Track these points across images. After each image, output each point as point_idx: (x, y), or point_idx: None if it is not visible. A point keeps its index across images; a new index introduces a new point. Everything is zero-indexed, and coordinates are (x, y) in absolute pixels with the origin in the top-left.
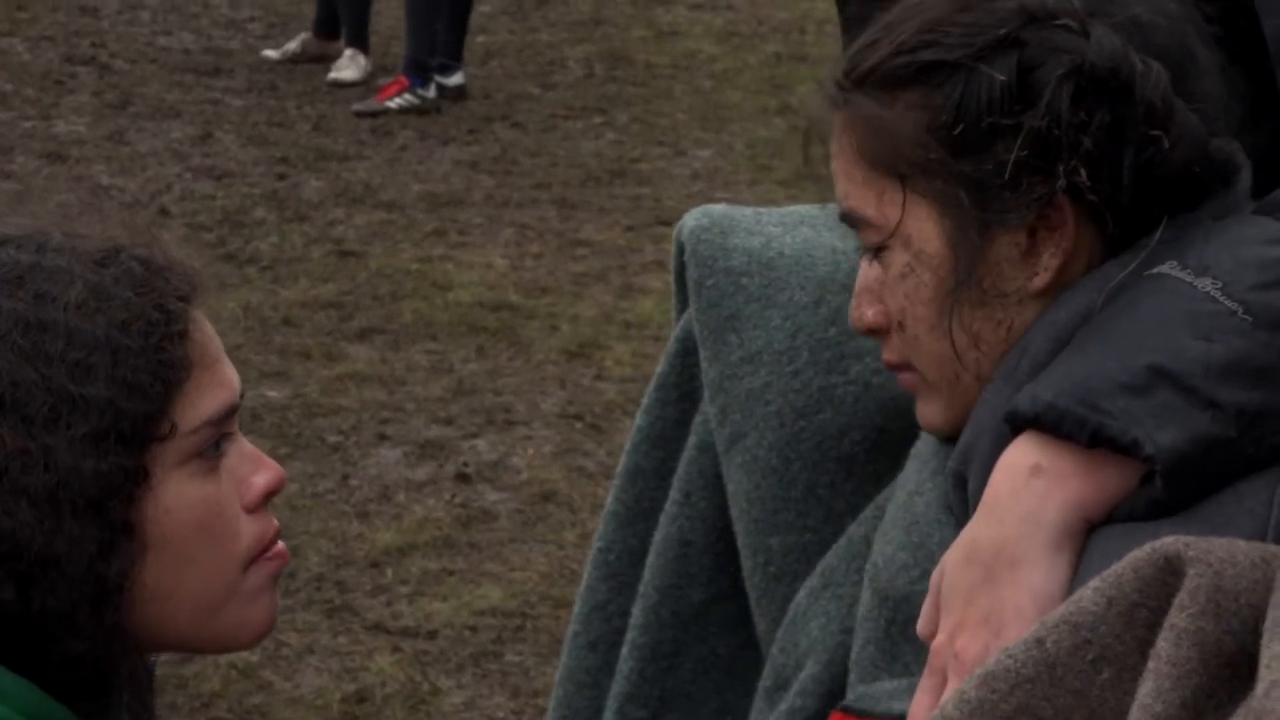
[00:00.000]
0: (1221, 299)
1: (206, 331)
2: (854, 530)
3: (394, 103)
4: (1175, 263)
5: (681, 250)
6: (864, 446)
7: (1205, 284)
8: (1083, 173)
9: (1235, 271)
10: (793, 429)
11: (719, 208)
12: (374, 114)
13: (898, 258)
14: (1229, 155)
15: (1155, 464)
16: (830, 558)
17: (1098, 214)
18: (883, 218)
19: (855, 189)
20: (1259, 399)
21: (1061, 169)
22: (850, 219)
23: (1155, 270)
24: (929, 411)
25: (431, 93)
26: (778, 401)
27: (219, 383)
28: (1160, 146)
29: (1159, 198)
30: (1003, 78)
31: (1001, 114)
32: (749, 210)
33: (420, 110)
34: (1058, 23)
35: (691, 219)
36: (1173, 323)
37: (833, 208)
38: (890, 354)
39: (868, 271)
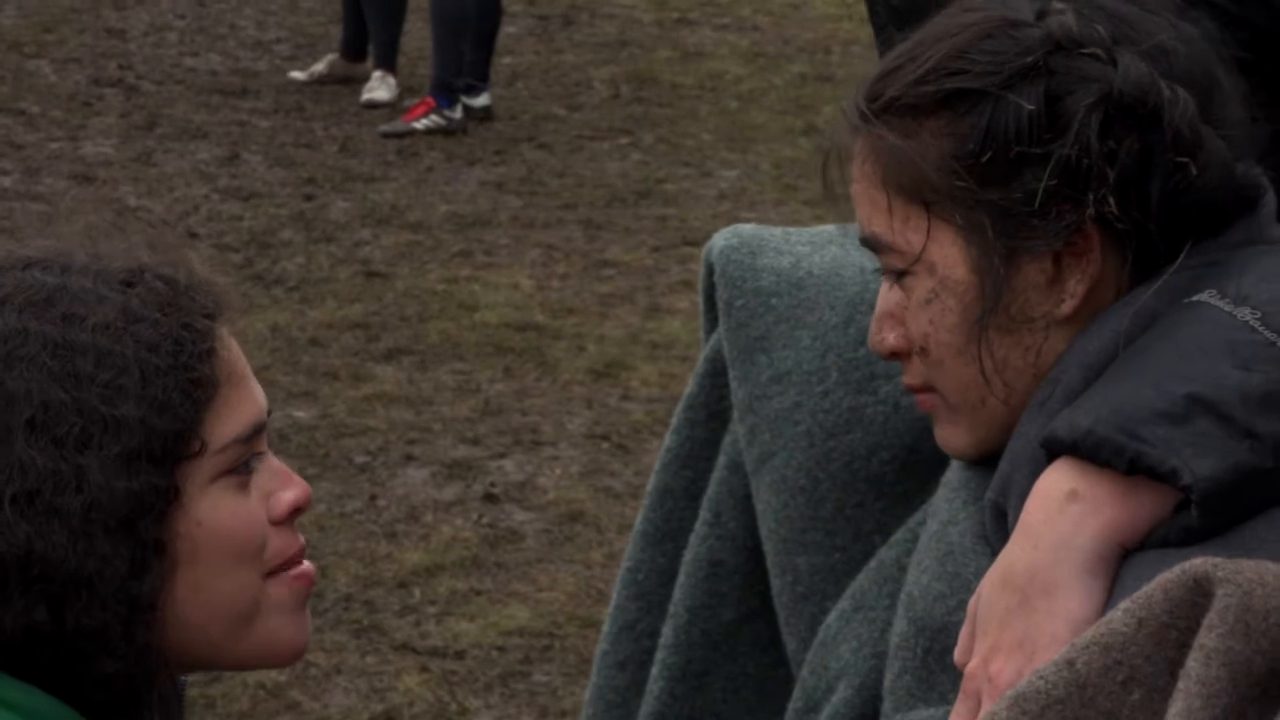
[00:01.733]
0: (1261, 329)
1: (233, 349)
2: (885, 553)
3: (420, 124)
4: (1214, 291)
5: (711, 271)
6: (893, 466)
7: (1244, 313)
8: (1111, 201)
9: (1274, 303)
10: (822, 449)
11: (748, 228)
12: (400, 135)
13: (921, 284)
14: (1255, 180)
15: (1192, 493)
16: (861, 580)
17: (1124, 240)
18: (906, 244)
19: (878, 214)
20: None
21: (1091, 197)
22: (872, 244)
23: (1194, 299)
24: (950, 434)
25: (458, 113)
26: (807, 421)
27: (247, 400)
28: (1188, 173)
29: (1186, 223)
30: (1031, 106)
31: (1030, 143)
32: (778, 230)
33: (446, 131)
34: (1085, 51)
35: (721, 239)
36: (1212, 352)
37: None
38: (911, 377)
39: (888, 295)
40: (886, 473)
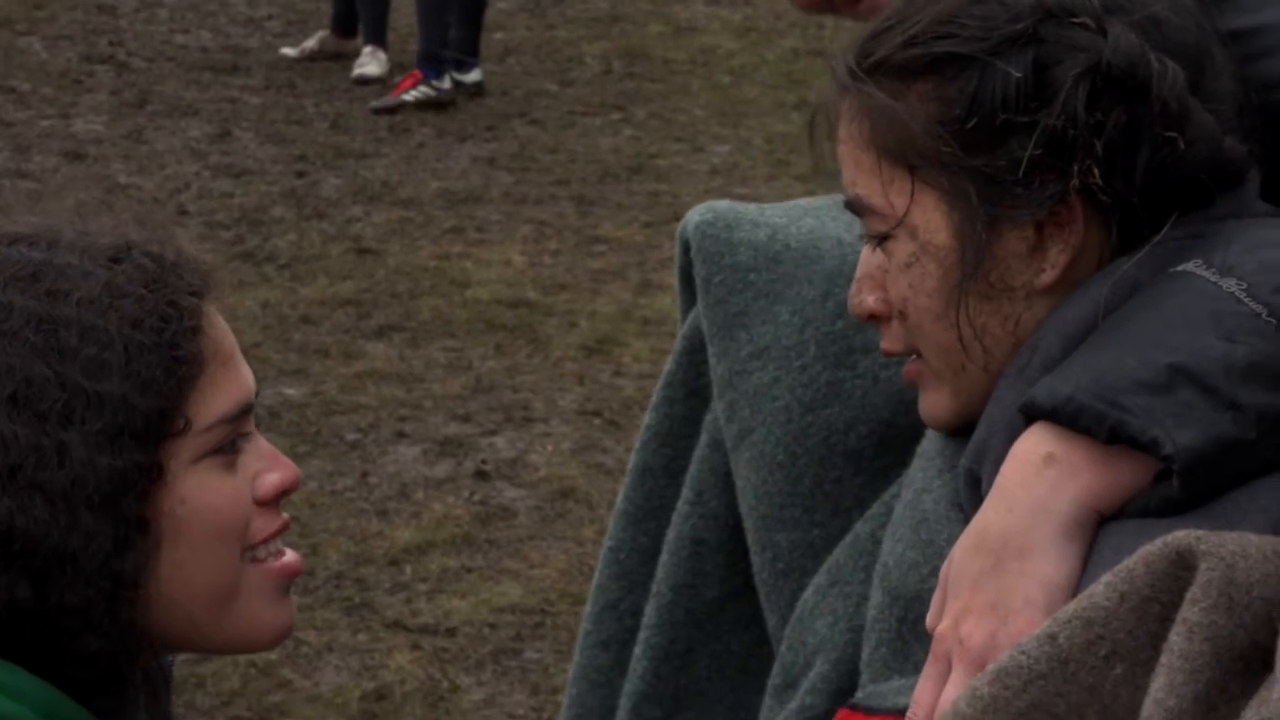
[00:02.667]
0: (1246, 300)
1: (221, 327)
2: (861, 528)
3: (410, 95)
4: (1200, 261)
5: (687, 248)
6: (871, 441)
7: (1230, 284)
8: (1096, 172)
9: (1260, 274)
10: (800, 424)
11: (723, 203)
12: (391, 110)
13: (903, 247)
14: (1240, 155)
15: (1174, 463)
16: (838, 555)
17: (1108, 212)
18: (889, 206)
19: (862, 176)
20: None
21: (1076, 168)
22: (855, 206)
23: (1180, 268)
24: (933, 403)
25: (446, 84)
26: (785, 396)
27: (234, 379)
28: (1175, 147)
29: (1171, 197)
30: (1018, 74)
31: (1016, 111)
32: (752, 205)
33: (437, 105)
34: (1075, 20)
35: (696, 215)
36: (1196, 322)
37: (837, 197)
38: (890, 342)
39: (870, 258)
40: (864, 447)
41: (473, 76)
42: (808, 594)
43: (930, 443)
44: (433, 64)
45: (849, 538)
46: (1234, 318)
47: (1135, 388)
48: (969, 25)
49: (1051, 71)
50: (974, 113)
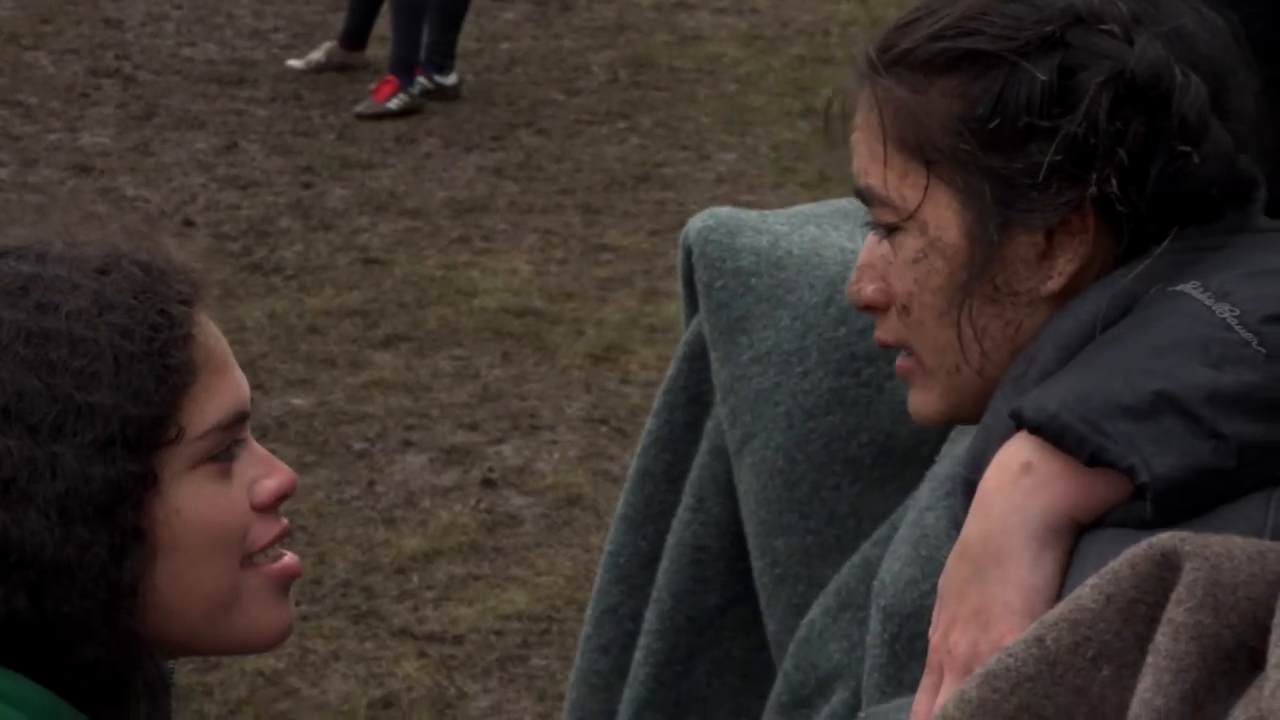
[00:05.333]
0: (1237, 328)
1: (213, 335)
2: (870, 550)
3: (393, 103)
4: (1199, 284)
5: (689, 254)
6: (872, 450)
7: (1224, 310)
8: (1114, 182)
9: (1253, 301)
10: (801, 430)
11: (724, 210)
12: (377, 116)
13: (911, 241)
14: (1249, 173)
15: (1147, 490)
16: (846, 578)
17: (1120, 223)
18: (901, 199)
19: (876, 166)
20: (1263, 433)
21: (1094, 177)
22: (866, 195)
23: (1177, 288)
24: (921, 400)
25: (416, 89)
26: (787, 402)
27: (228, 387)
28: (1189, 162)
29: (1175, 210)
30: (1044, 78)
31: (1039, 115)
32: (754, 212)
33: (410, 109)
34: (1103, 27)
35: (698, 221)
36: (1186, 347)
37: (840, 204)
38: (885, 333)
39: (874, 248)
40: (864, 456)
41: (450, 79)
42: (815, 614)
43: (942, 467)
44: (406, 71)
45: (857, 558)
46: (1223, 345)
47: (1118, 412)
48: (997, 24)
49: (1076, 77)
50: (997, 113)
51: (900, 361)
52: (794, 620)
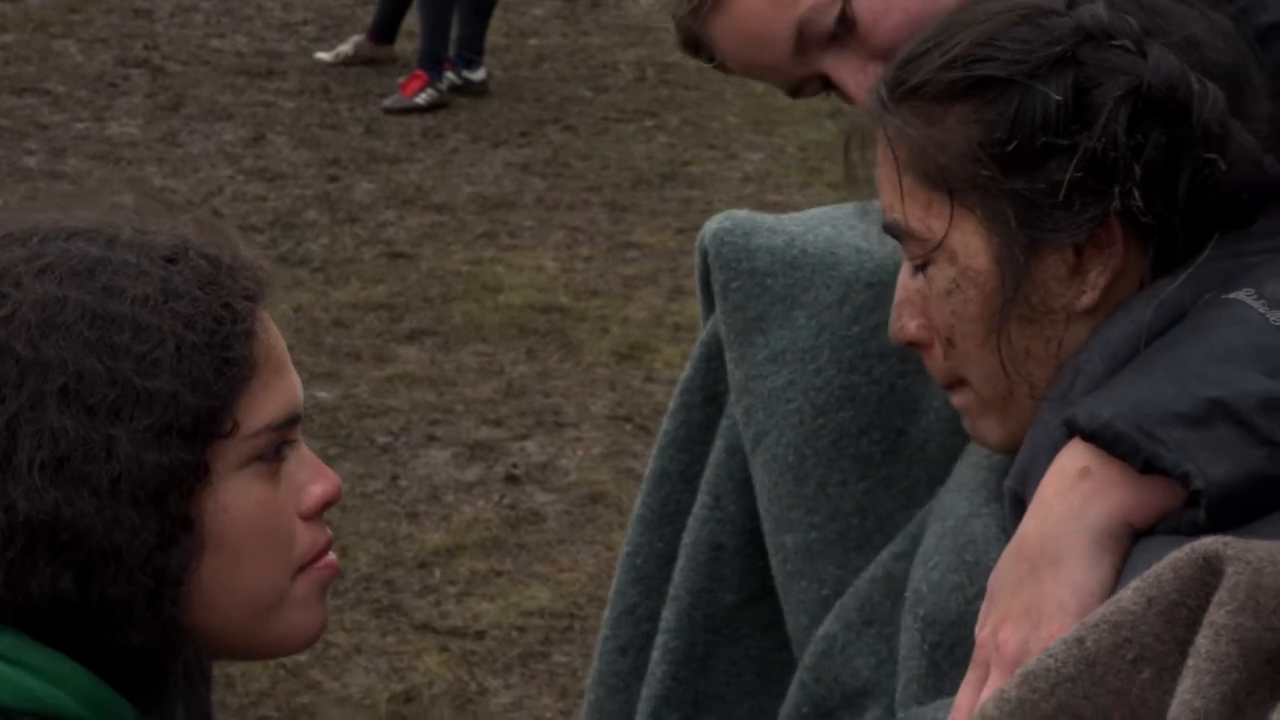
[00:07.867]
0: None
1: (273, 333)
2: (893, 565)
3: (421, 98)
4: (1252, 291)
5: (706, 255)
6: (881, 448)
7: (1277, 318)
8: (1137, 195)
9: None
10: (811, 426)
11: (740, 212)
12: (405, 110)
13: (943, 273)
14: (1278, 173)
15: (1202, 498)
16: (870, 592)
17: (1147, 233)
18: (928, 230)
19: (900, 201)
20: None
21: (1117, 190)
22: (894, 231)
23: (1231, 295)
24: (984, 427)
25: (444, 84)
26: (799, 399)
27: (284, 387)
28: (1216, 169)
29: (1211, 218)
30: (1059, 97)
31: (1056, 134)
32: (770, 215)
33: (439, 104)
34: (1114, 42)
35: (714, 223)
36: (1240, 355)
37: (856, 206)
38: (938, 373)
39: (909, 283)
40: (874, 453)
41: (478, 74)
42: (835, 628)
43: (969, 474)
44: (434, 65)
45: (878, 571)
46: (1277, 353)
47: (1172, 419)
48: (1008, 48)
49: (1091, 94)
50: (1014, 136)
51: (956, 398)
52: (805, 618)
